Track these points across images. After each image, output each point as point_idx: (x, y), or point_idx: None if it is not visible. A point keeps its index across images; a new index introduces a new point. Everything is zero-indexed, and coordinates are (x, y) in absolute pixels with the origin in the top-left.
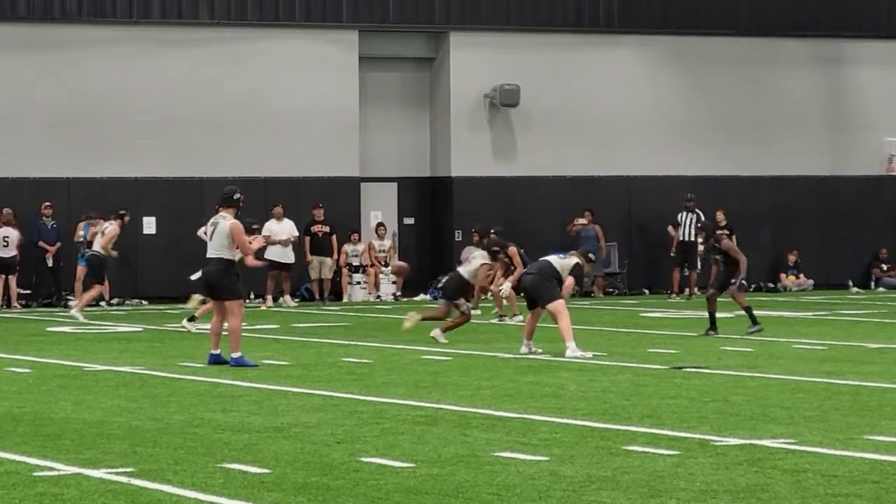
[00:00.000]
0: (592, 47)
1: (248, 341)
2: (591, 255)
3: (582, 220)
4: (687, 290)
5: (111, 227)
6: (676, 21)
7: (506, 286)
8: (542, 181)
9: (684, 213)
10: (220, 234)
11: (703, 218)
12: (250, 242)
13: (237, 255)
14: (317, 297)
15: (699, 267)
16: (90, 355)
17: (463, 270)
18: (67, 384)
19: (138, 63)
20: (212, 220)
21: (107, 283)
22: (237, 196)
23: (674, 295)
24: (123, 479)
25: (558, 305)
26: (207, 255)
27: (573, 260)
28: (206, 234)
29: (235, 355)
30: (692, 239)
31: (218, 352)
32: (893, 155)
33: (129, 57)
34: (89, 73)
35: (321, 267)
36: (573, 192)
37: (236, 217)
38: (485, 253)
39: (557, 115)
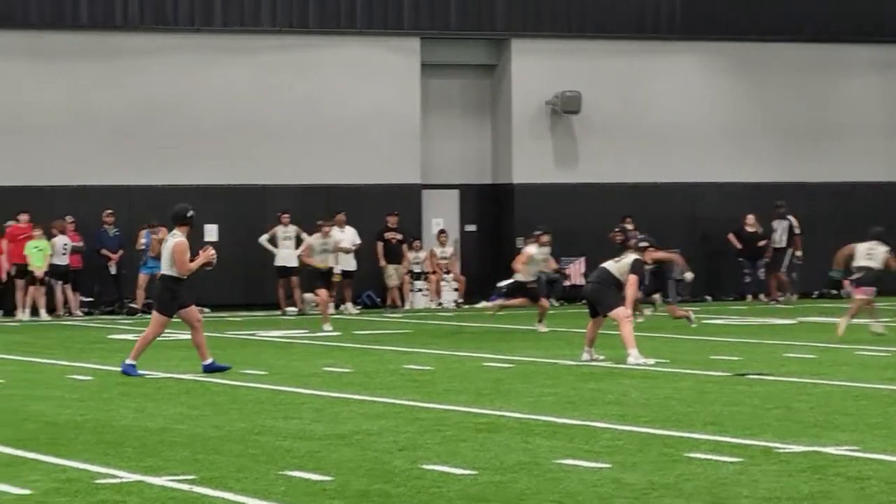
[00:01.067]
0: (654, 54)
1: (310, 348)
2: (642, 243)
3: (628, 227)
4: (768, 295)
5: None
6: (738, 27)
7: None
8: (603, 188)
9: (777, 221)
10: (166, 251)
11: (795, 224)
12: (197, 257)
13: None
14: (397, 304)
15: (789, 272)
16: (152, 363)
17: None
18: (129, 392)
19: (200, 70)
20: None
21: None
22: (189, 214)
23: (773, 301)
24: (185, 487)
25: (619, 313)
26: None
27: (630, 258)
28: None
29: (129, 361)
30: (784, 245)
31: (209, 361)
32: None
33: (190, 64)
34: (151, 81)
35: (396, 274)
36: (634, 199)
37: (188, 235)
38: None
39: (619, 122)
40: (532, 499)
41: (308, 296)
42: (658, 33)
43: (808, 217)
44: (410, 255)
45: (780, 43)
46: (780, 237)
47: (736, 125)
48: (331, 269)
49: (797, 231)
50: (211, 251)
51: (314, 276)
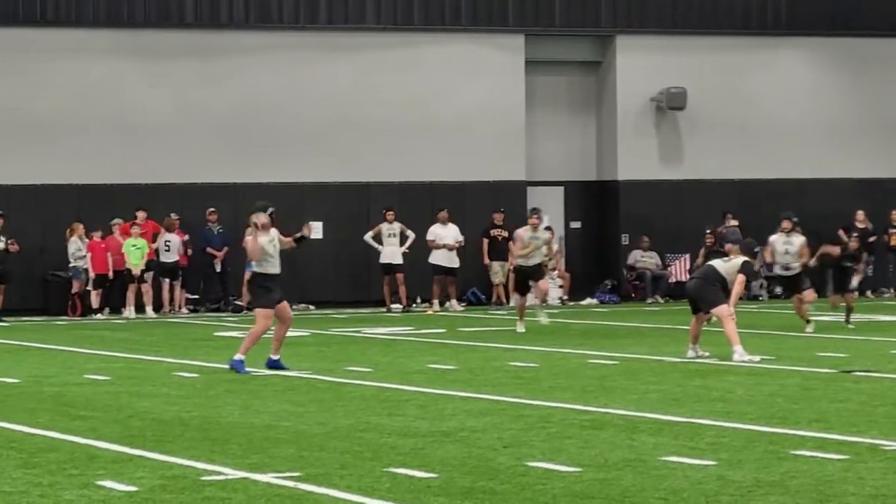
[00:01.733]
0: (759, 49)
1: (415, 345)
2: (756, 248)
3: (733, 223)
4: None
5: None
6: (844, 22)
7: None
8: (709, 185)
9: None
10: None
11: None
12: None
13: (265, 266)
14: (502, 300)
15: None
16: (257, 360)
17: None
18: (235, 388)
19: (305, 69)
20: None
21: None
22: (269, 210)
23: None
24: (290, 484)
25: (723, 310)
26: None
27: (739, 259)
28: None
29: (237, 357)
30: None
31: (276, 357)
32: None
33: (295, 62)
34: (256, 79)
35: (502, 271)
36: (739, 196)
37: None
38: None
39: (724, 118)
40: (637, 496)
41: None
42: (763, 29)
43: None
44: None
45: (885, 38)
46: None
47: (841, 121)
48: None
49: None
50: (309, 226)
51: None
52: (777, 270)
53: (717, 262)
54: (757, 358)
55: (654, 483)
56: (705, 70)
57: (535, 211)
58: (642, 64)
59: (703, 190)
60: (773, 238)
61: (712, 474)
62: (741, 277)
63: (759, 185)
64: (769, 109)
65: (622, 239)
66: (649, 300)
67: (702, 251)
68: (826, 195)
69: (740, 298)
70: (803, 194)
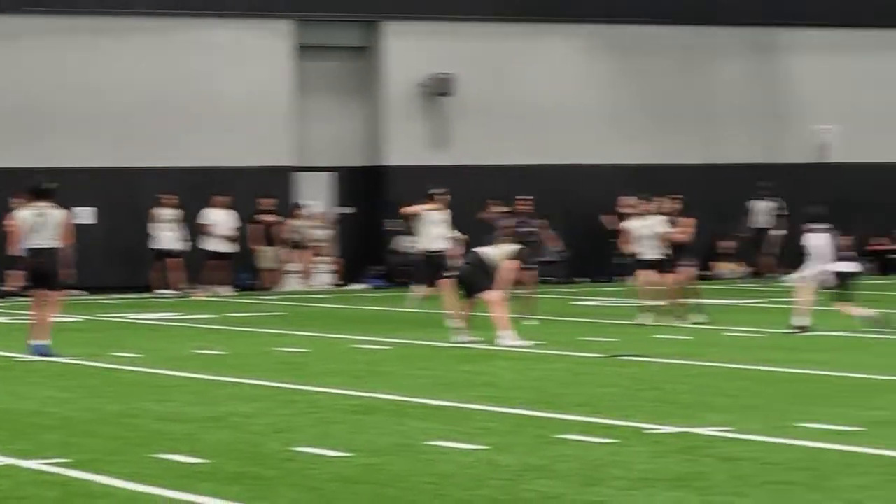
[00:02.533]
0: (529, 36)
1: (185, 331)
2: (524, 233)
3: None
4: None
5: None
6: (613, 9)
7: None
8: (478, 170)
9: (758, 201)
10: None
11: (784, 205)
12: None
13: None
14: (272, 286)
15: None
16: (22, 345)
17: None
18: (1, 375)
19: (73, 53)
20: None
21: None
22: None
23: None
24: (58, 470)
25: (493, 295)
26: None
27: (509, 245)
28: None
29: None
30: (766, 226)
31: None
32: (827, 143)
33: (62, 47)
34: (22, 64)
35: (270, 256)
36: (510, 181)
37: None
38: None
39: (493, 104)
40: (406, 481)
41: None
42: (533, 15)
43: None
44: (292, 223)
45: (656, 25)
46: (760, 218)
47: (611, 107)
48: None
49: (784, 212)
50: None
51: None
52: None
53: (486, 248)
54: (526, 343)
55: (423, 468)
56: (474, 56)
57: (297, 205)
58: (410, 49)
59: (472, 175)
60: (630, 223)
61: (481, 459)
62: (510, 263)
63: (529, 170)
64: (539, 95)
65: (391, 224)
66: (416, 285)
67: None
68: (594, 180)
69: (519, 284)
70: (571, 179)
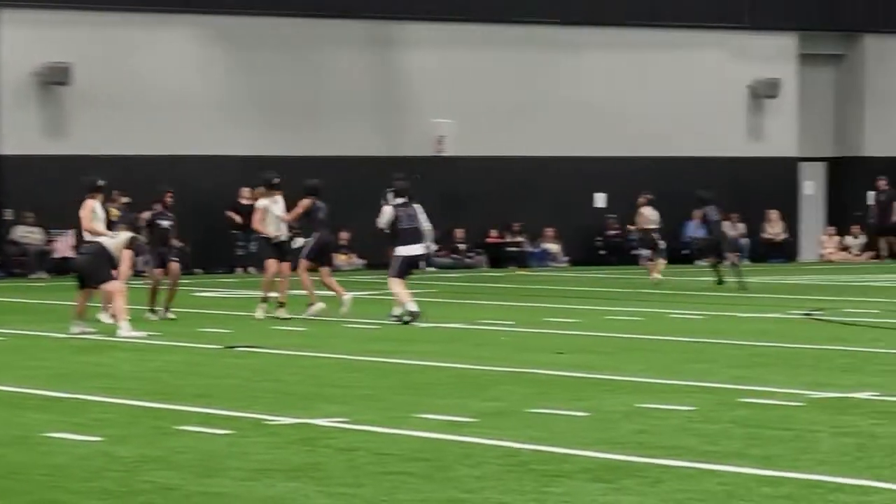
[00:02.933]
0: (146, 26)
1: None
2: (139, 224)
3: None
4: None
5: None
6: (229, 1)
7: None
8: (95, 160)
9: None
10: None
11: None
12: None
13: None
14: None
15: None
16: None
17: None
18: None
19: None
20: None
21: None
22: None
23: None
24: None
25: (113, 285)
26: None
27: (124, 234)
28: None
29: None
30: None
31: None
32: (443, 136)
33: None
34: None
35: None
36: (126, 172)
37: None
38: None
39: (112, 94)
40: (22, 473)
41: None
42: (150, 6)
43: (297, 190)
44: None
45: (271, 17)
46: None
47: (226, 98)
48: None
49: None
50: None
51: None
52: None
53: (104, 238)
54: (143, 334)
55: (38, 459)
56: (92, 46)
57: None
58: (26, 38)
59: (90, 165)
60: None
61: (98, 450)
62: (127, 253)
63: (147, 161)
64: (156, 86)
65: (6, 214)
66: (34, 276)
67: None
68: (210, 171)
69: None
70: (188, 170)
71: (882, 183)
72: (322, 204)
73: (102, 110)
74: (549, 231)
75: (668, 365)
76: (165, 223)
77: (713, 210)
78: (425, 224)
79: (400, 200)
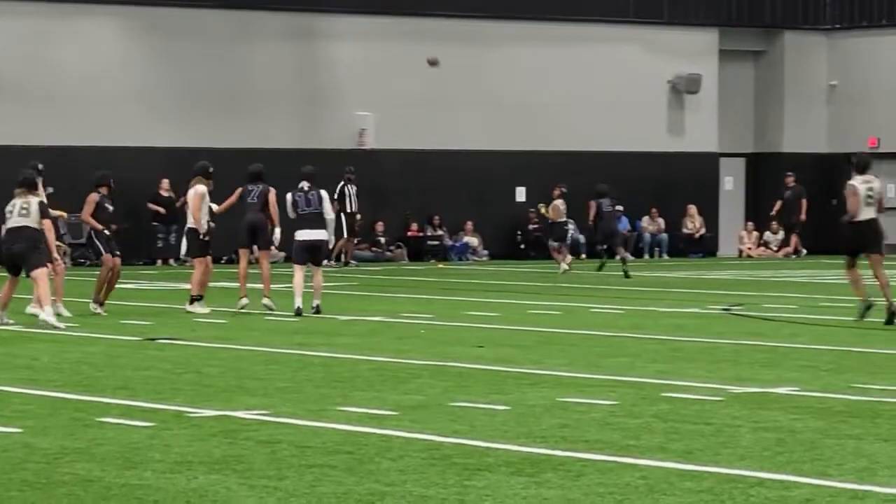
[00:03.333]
0: (66, 16)
1: None
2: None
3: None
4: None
5: None
6: None
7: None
8: (13, 151)
9: (346, 185)
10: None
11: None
12: None
13: None
14: None
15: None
16: None
17: None
18: None
19: None
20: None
21: None
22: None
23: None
24: None
25: (40, 272)
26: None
27: (35, 201)
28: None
29: None
30: (355, 209)
31: None
32: (364, 129)
33: None
34: None
35: None
36: (48, 163)
37: None
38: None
39: (31, 85)
40: None
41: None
42: None
43: (219, 182)
44: None
45: (193, 8)
46: (351, 202)
47: (149, 90)
48: None
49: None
50: None
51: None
52: None
53: (33, 223)
54: (62, 325)
55: None
56: (12, 36)
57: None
58: None
59: (7, 156)
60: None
61: (18, 442)
62: (47, 222)
63: (66, 152)
64: (78, 77)
65: None
66: None
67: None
68: (132, 163)
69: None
70: (109, 162)
71: (790, 180)
72: (255, 187)
73: (22, 101)
74: (470, 225)
75: (590, 359)
76: (111, 208)
77: (607, 202)
78: (328, 213)
79: (305, 185)
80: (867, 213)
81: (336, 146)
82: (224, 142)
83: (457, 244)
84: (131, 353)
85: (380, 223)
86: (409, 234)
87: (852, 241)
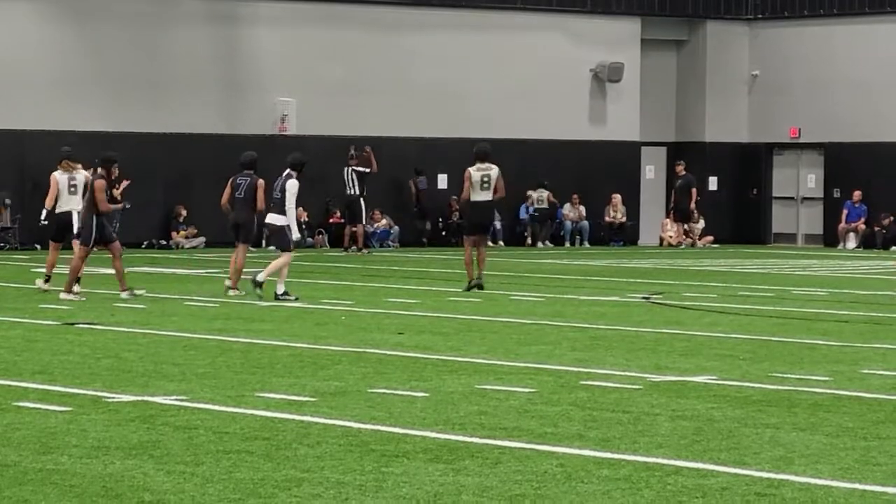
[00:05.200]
0: None
1: None
2: None
3: None
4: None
5: None
6: None
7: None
8: None
9: (348, 170)
10: None
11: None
12: None
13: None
14: None
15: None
16: None
17: None
18: None
19: None
20: None
21: None
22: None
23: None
24: None
25: None
26: None
27: None
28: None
29: None
30: (356, 193)
31: None
32: (286, 115)
33: None
34: None
35: None
36: None
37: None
38: None
39: None
40: None
41: None
42: None
43: (139, 167)
44: None
45: None
46: (354, 186)
47: (69, 74)
48: None
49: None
50: None
51: None
52: None
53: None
54: None
55: None
56: None
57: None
58: None
59: None
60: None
61: None
62: None
63: None
64: None
65: None
66: None
67: None
68: (51, 147)
69: None
70: (28, 146)
71: (679, 168)
72: (244, 179)
73: None
74: (389, 211)
75: (509, 347)
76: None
77: (423, 181)
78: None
79: (246, 171)
80: (482, 196)
81: (256, 132)
82: (145, 126)
83: (378, 231)
84: (50, 338)
85: (301, 210)
86: (331, 220)
87: (469, 223)
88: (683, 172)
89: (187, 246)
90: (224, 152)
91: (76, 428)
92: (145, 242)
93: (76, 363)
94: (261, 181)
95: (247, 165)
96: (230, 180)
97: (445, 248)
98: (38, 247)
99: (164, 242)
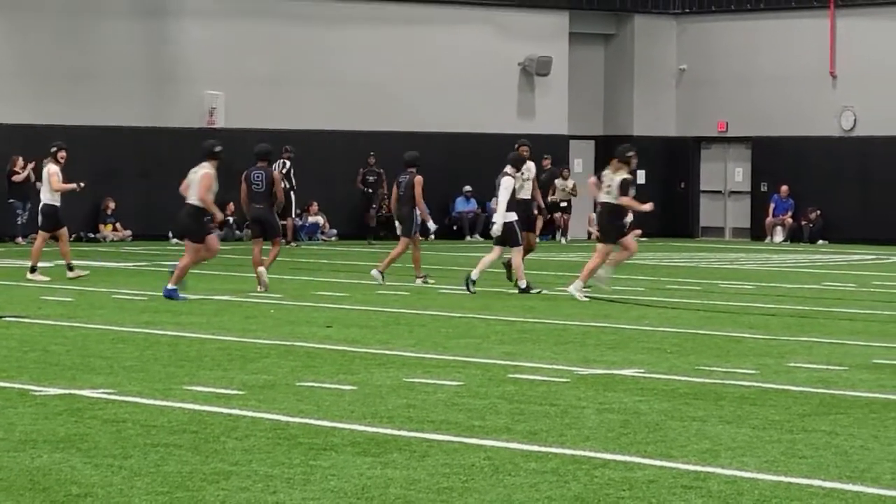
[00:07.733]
0: None
1: None
2: None
3: None
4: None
5: None
6: None
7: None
8: None
9: (280, 162)
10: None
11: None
12: None
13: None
14: None
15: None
16: None
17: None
18: None
19: None
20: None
21: None
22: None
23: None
24: None
25: None
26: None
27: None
28: None
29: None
30: (286, 186)
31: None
32: (214, 108)
33: None
34: None
35: None
36: None
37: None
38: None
39: None
40: None
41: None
42: None
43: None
44: None
45: None
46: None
47: None
48: None
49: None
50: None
51: None
52: None
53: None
54: None
55: None
56: None
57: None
58: None
59: None
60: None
61: None
62: None
63: None
64: None
65: None
66: None
67: None
68: None
69: None
70: None
71: (546, 162)
72: (261, 172)
73: None
74: (318, 205)
75: (437, 340)
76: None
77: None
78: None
79: (260, 164)
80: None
81: (184, 125)
82: (72, 119)
83: (306, 224)
84: None
85: (230, 204)
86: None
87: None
88: (549, 166)
89: (114, 239)
90: (152, 145)
91: (3, 421)
92: (73, 235)
93: (3, 356)
94: (276, 173)
95: (262, 157)
96: (243, 175)
97: (376, 242)
98: None
99: (91, 235)
